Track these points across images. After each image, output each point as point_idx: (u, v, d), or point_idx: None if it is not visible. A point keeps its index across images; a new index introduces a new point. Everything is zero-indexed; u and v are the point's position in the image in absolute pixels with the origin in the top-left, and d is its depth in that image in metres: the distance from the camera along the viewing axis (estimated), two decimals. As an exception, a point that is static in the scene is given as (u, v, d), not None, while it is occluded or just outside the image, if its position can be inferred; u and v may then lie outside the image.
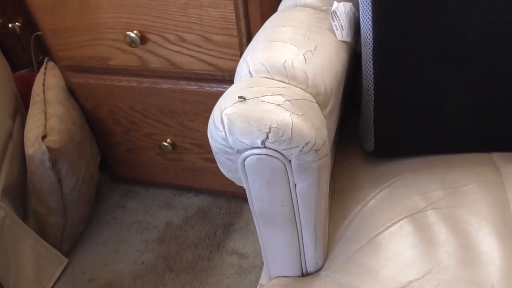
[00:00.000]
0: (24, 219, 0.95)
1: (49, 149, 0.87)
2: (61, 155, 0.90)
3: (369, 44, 0.58)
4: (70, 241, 1.06)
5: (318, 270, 0.53)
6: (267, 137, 0.41)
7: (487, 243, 0.49)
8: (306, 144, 0.41)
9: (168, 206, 1.18)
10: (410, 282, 0.46)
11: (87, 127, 1.04)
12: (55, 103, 0.97)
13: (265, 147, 0.41)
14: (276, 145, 0.41)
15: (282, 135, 0.41)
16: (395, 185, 0.59)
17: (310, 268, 0.53)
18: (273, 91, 0.45)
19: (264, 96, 0.44)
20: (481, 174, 0.59)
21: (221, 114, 0.43)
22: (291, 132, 0.41)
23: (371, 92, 0.59)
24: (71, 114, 0.97)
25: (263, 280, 0.59)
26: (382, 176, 0.61)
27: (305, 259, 0.52)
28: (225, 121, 0.43)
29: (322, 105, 0.49)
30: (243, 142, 0.42)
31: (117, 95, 0.98)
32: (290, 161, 0.42)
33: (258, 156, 0.42)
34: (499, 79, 0.58)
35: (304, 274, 0.54)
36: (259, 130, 0.41)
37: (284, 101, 0.44)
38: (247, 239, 1.07)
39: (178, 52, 0.87)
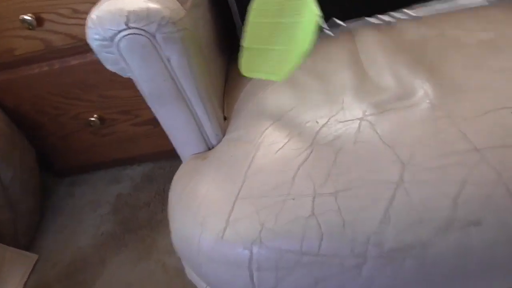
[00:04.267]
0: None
1: (-23, 143, 0.91)
2: (-9, 147, 0.95)
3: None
4: (26, 236, 1.10)
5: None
6: (129, 19, 0.50)
7: (341, 75, 0.61)
8: (162, 18, 0.51)
9: (115, 182, 1.24)
10: (288, 111, 0.57)
11: (13, 124, 1.08)
12: (-26, 106, 1.01)
13: (129, 28, 0.50)
14: (137, 23, 0.50)
15: (139, 15, 0.50)
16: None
17: (214, 141, 0.62)
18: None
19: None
20: (339, 37, 0.71)
21: (90, 17, 0.52)
22: (147, 11, 0.50)
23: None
24: (-8, 113, 1.02)
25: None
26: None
27: (206, 133, 0.61)
28: (95, 20, 0.51)
29: (181, 1, 0.59)
30: (111, 29, 0.51)
31: (33, 84, 1.04)
32: (154, 36, 0.52)
33: (126, 36, 0.51)
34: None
35: (210, 148, 0.63)
36: (120, 16, 0.50)
37: (141, -5, 0.53)
38: (193, 186, 1.15)
39: (76, 24, 0.94)
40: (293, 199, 0.47)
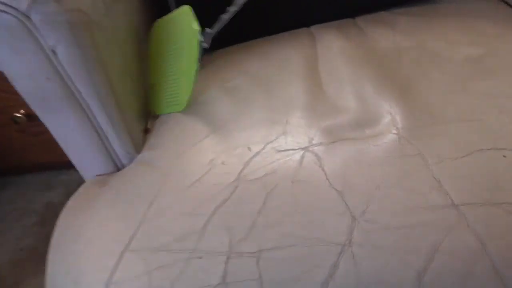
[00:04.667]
0: None
1: None
2: None
3: None
4: None
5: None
6: (-11, -10, 0.36)
7: (292, 88, 0.48)
8: (40, -8, 0.37)
9: (47, 188, 1.08)
10: (218, 128, 0.44)
11: None
12: None
13: (-11, 2, 0.36)
14: (1, -4, 0.36)
15: (6, -16, 0.36)
16: (214, 65, 0.56)
17: (124, 160, 0.48)
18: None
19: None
20: (299, 42, 0.58)
21: None
22: (18, -19, 0.36)
23: None
24: None
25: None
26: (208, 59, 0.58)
27: (113, 149, 0.47)
28: None
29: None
30: (-36, 2, 0.36)
31: None
32: (29, 17, 0.37)
33: (-15, 14, 0.36)
34: None
35: (120, 168, 0.49)
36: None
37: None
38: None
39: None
40: (200, 258, 0.34)
